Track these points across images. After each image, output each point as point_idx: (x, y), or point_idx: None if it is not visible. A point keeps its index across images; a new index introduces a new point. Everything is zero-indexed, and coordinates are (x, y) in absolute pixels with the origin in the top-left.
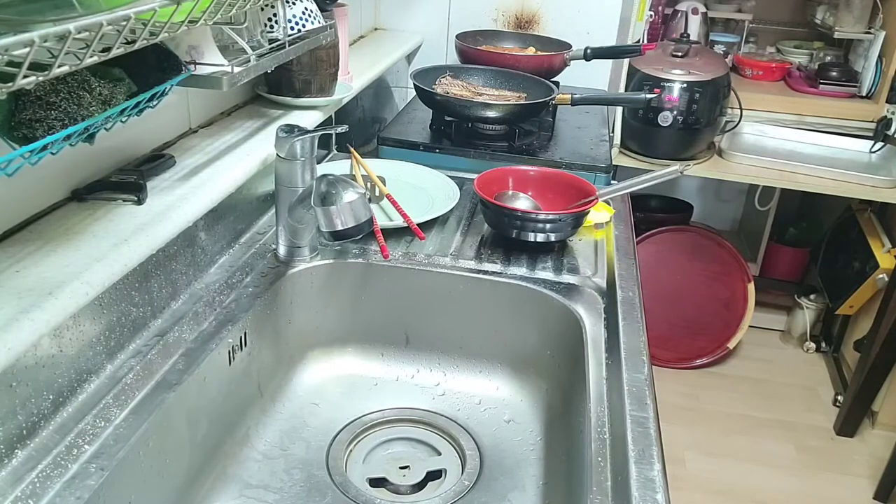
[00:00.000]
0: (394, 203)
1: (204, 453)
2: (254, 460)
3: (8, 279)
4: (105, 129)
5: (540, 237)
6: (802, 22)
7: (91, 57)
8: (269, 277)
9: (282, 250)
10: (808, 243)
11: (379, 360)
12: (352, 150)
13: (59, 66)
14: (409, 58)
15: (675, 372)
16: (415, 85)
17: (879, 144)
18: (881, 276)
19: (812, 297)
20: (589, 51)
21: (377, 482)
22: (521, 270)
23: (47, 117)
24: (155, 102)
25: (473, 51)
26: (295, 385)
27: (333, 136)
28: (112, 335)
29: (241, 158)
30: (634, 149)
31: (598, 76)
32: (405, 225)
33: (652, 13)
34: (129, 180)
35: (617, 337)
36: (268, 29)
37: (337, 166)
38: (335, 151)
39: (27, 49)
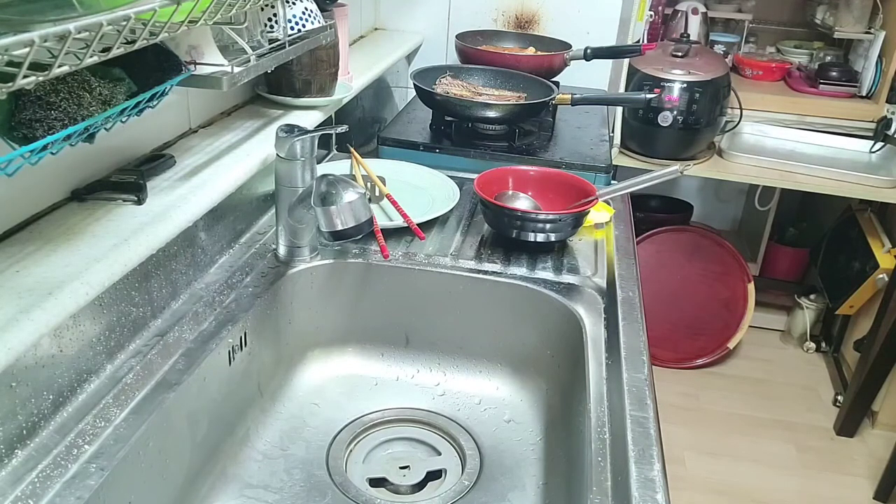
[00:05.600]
0: (394, 203)
1: (204, 453)
2: (254, 460)
3: (8, 279)
4: (105, 129)
5: (540, 237)
6: (802, 22)
7: (91, 57)
8: (269, 277)
9: (282, 250)
10: (808, 243)
11: (379, 360)
12: (352, 150)
13: (59, 66)
14: (409, 58)
15: (675, 372)
16: (415, 85)
17: (879, 144)
18: (881, 276)
19: (812, 297)
20: (589, 51)
21: (377, 482)
22: (521, 270)
23: (47, 117)
24: (155, 102)
25: (473, 51)
26: (295, 385)
27: (333, 136)
28: (112, 335)
29: (241, 158)
30: (634, 149)
31: (598, 76)
32: (405, 225)
33: (652, 13)
34: (129, 180)
35: (617, 337)
36: (268, 29)
37: (337, 166)
38: (335, 151)
39: (27, 49)
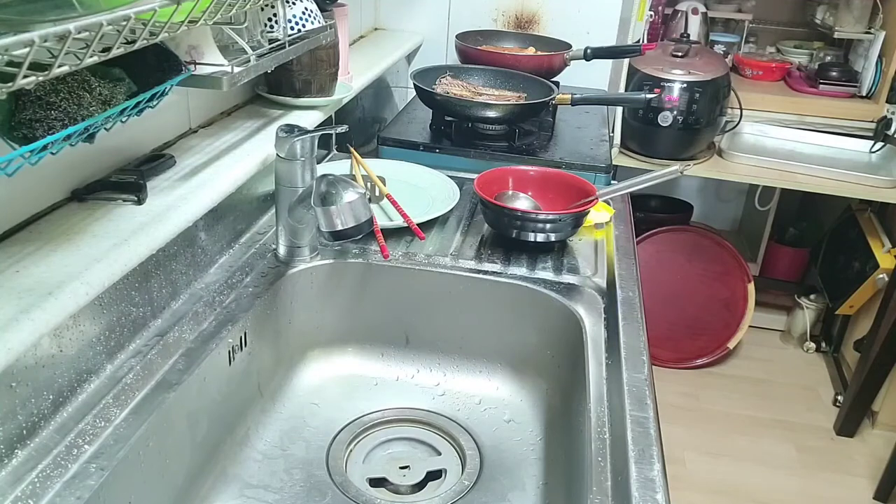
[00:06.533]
0: (394, 203)
1: (204, 453)
2: (254, 460)
3: (8, 279)
4: (105, 129)
5: (540, 237)
6: (802, 22)
7: (91, 57)
8: (269, 277)
9: (282, 250)
10: (808, 243)
11: (379, 360)
12: (352, 150)
13: (59, 66)
14: (409, 58)
15: (675, 372)
16: (415, 85)
17: (879, 144)
18: (881, 276)
19: (812, 297)
20: (589, 51)
21: (377, 482)
22: (521, 270)
23: (47, 117)
24: (155, 102)
25: (473, 51)
26: (295, 385)
27: (333, 136)
28: (112, 335)
29: (241, 158)
30: (634, 149)
31: (598, 76)
32: (405, 225)
33: (652, 13)
34: (129, 180)
35: (617, 337)
36: (268, 29)
37: (337, 166)
38: (335, 151)
39: (27, 49)
